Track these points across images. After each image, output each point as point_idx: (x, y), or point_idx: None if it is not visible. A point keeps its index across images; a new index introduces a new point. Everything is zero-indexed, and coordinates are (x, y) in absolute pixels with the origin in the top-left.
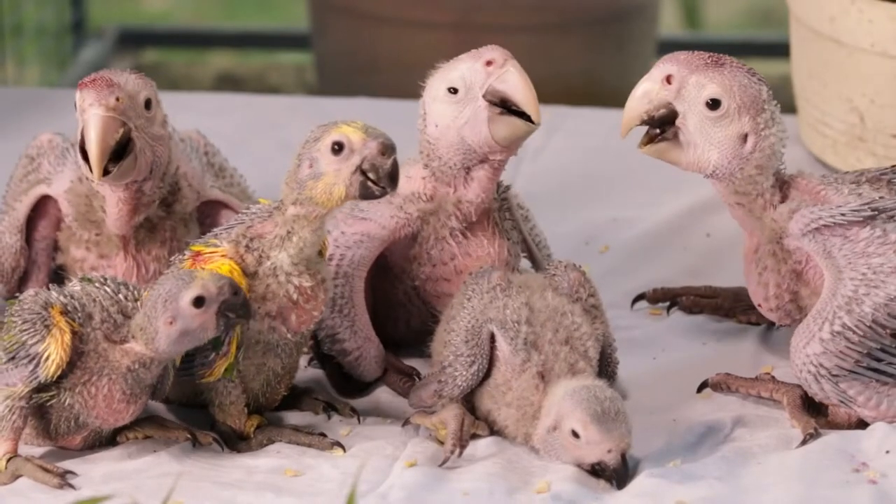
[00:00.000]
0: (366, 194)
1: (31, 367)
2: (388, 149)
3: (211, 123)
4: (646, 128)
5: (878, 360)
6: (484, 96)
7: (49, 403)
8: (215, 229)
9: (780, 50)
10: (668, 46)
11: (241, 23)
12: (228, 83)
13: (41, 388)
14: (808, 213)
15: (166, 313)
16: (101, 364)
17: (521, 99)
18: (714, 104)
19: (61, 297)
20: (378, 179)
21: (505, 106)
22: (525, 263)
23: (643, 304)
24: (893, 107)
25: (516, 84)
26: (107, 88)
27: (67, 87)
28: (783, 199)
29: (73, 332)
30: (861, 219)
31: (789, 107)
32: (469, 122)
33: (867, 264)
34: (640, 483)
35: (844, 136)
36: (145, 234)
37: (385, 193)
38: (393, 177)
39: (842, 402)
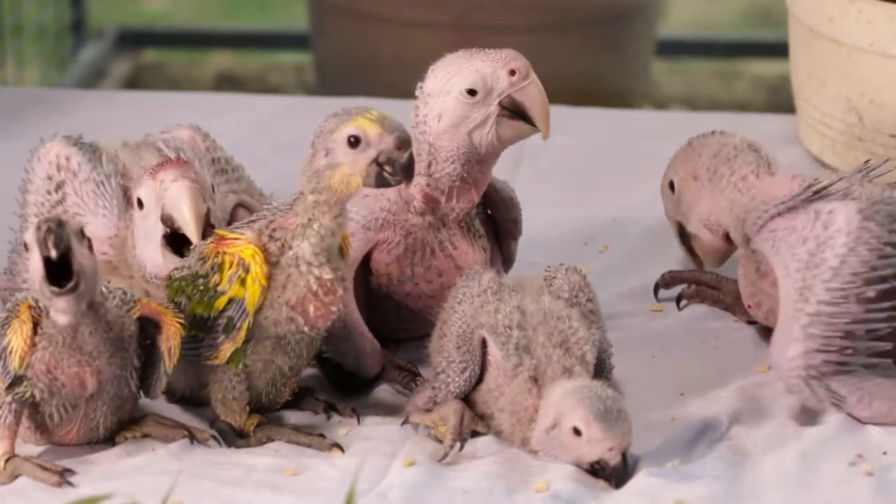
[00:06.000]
0: (381, 183)
1: (2, 362)
2: (404, 143)
3: (211, 123)
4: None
5: (858, 336)
6: (500, 102)
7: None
8: (237, 223)
9: (778, 50)
10: (668, 46)
11: (240, 23)
12: (228, 83)
13: (17, 381)
14: (757, 210)
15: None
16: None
17: (539, 115)
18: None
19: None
20: (394, 172)
21: (516, 114)
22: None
23: (642, 302)
24: (892, 106)
25: (536, 99)
26: (184, 166)
27: (67, 87)
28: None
29: (35, 324)
30: (798, 203)
31: (788, 107)
32: (479, 124)
33: (807, 249)
34: (639, 482)
35: (843, 136)
36: None
37: (400, 183)
38: (408, 169)
39: (834, 403)
